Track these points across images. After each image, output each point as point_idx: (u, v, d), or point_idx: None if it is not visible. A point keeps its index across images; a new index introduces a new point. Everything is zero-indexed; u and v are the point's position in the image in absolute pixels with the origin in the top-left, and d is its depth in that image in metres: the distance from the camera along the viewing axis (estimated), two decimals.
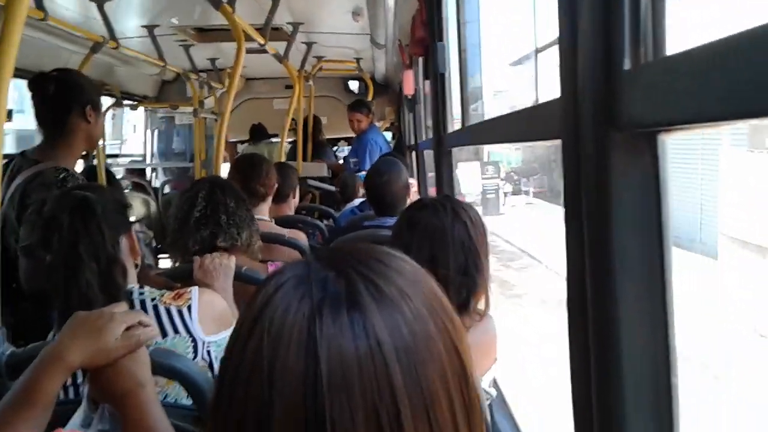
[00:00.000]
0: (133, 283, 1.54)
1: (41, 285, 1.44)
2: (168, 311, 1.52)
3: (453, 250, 1.48)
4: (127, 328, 1.08)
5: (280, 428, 0.54)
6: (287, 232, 2.76)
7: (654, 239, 0.70)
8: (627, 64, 0.70)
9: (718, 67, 0.53)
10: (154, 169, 7.42)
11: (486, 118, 2.40)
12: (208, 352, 1.54)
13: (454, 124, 2.63)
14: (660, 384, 0.70)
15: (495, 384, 1.68)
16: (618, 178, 0.70)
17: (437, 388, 0.56)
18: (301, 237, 2.82)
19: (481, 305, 1.56)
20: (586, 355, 0.76)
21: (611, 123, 0.71)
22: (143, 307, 1.51)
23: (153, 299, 1.53)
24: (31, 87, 2.31)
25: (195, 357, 1.52)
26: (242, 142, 6.81)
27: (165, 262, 3.38)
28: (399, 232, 1.57)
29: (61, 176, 2.19)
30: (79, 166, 3.19)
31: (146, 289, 1.56)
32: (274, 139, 6.43)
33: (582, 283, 0.77)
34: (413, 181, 3.78)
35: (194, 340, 1.53)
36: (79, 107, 2.29)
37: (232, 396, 0.58)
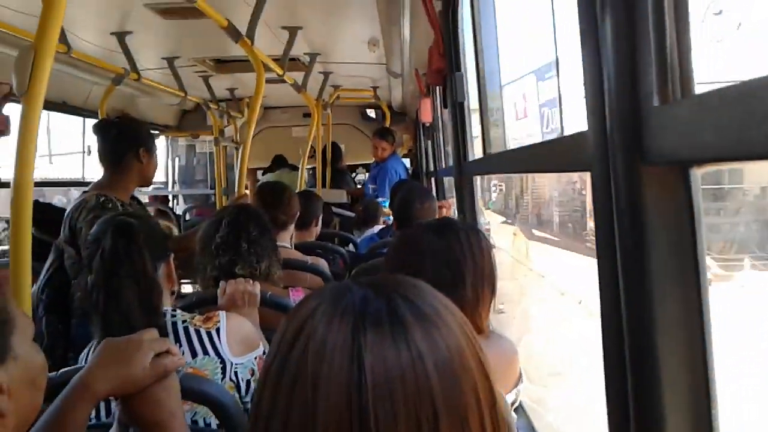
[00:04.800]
0: (167, 306, 1.57)
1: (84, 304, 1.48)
2: (198, 333, 1.56)
3: (454, 269, 1.45)
4: (157, 356, 1.09)
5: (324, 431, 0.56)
6: (309, 259, 2.77)
7: (691, 275, 0.71)
8: (656, 101, 0.71)
9: (749, 107, 0.54)
10: (175, 196, 7.50)
11: (509, 144, 2.41)
12: (236, 373, 1.57)
13: (475, 151, 2.65)
14: (700, 411, 0.70)
15: (521, 408, 1.66)
16: (652, 213, 0.71)
17: (471, 401, 0.59)
18: (322, 264, 2.83)
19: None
20: (623, 385, 0.77)
21: (642, 158, 0.72)
22: (174, 329, 1.54)
23: (184, 321, 1.57)
24: (95, 130, 2.70)
25: (223, 378, 1.55)
26: (261, 169, 6.86)
27: (187, 288, 3.41)
28: (395, 251, 1.55)
29: (101, 200, 2.47)
30: None
31: (178, 312, 1.60)
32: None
33: (618, 317, 0.77)
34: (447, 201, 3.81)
35: (222, 362, 1.55)
36: (134, 149, 2.62)
37: (274, 405, 0.60)
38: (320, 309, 0.62)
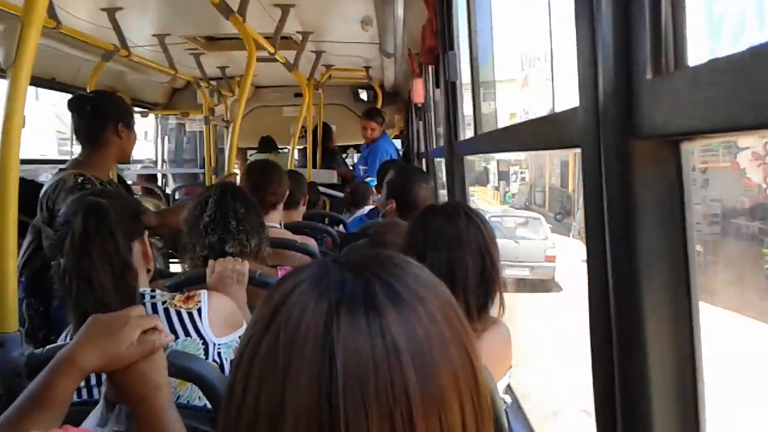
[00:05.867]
0: (145, 287, 1.55)
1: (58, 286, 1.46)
2: (179, 314, 1.54)
3: (470, 252, 1.50)
4: (143, 332, 1.09)
5: (293, 424, 0.55)
6: (298, 239, 2.77)
7: (679, 249, 0.70)
8: (649, 73, 0.70)
9: (742, 78, 0.54)
10: (165, 175, 7.46)
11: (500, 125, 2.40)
12: (219, 354, 1.56)
13: (466, 131, 2.64)
14: (686, 392, 0.70)
15: (510, 390, 1.68)
16: (641, 187, 0.71)
17: (449, 391, 0.57)
18: (311, 243, 2.82)
19: (493, 311, 1.57)
20: (609, 368, 0.76)
21: (632, 132, 0.72)
22: (154, 310, 1.53)
23: (164, 302, 1.54)
24: (70, 106, 2.59)
25: (206, 359, 1.53)
26: (251, 149, 6.83)
27: (176, 267, 3.40)
28: (413, 238, 1.58)
29: (80, 180, 2.38)
30: None
31: (157, 292, 1.57)
32: (284, 149, 6.46)
33: (605, 290, 0.77)
34: None
35: (205, 342, 1.54)
36: (112, 125, 2.53)
37: (246, 391, 0.58)
38: (296, 292, 0.59)
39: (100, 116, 2.52)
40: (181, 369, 1.23)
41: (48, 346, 1.32)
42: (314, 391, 0.54)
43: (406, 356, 0.56)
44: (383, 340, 0.56)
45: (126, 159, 2.74)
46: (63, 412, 1.04)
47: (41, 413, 1.01)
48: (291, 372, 0.55)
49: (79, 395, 1.42)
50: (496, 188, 25.52)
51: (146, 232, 1.62)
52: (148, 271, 1.63)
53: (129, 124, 2.59)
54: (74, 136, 2.61)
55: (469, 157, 2.67)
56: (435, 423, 0.56)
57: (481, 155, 2.49)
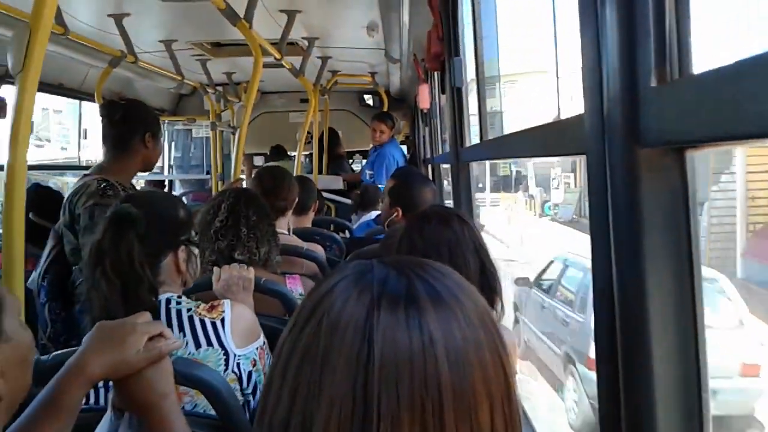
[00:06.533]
0: (172, 293, 1.56)
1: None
2: (202, 323, 1.53)
3: (469, 253, 1.51)
4: (150, 339, 1.09)
5: (328, 408, 0.56)
6: (305, 245, 2.76)
7: (684, 257, 0.70)
8: (653, 81, 0.71)
9: (745, 86, 0.54)
10: (171, 181, 7.47)
11: (506, 131, 2.40)
12: (238, 365, 1.55)
13: (472, 138, 2.64)
14: (690, 400, 0.70)
15: None
16: (647, 194, 0.71)
17: (481, 394, 0.58)
18: (318, 250, 2.83)
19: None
20: (614, 378, 0.76)
21: (637, 140, 0.72)
22: (179, 317, 1.53)
23: (189, 310, 1.54)
24: (101, 112, 2.63)
25: (226, 370, 1.53)
26: (258, 154, 6.84)
27: None
28: (413, 245, 1.57)
29: (103, 186, 2.40)
30: None
31: (183, 298, 1.57)
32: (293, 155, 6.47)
33: (610, 296, 0.77)
34: None
35: (226, 353, 1.53)
36: (140, 134, 2.56)
37: (285, 375, 0.60)
38: (341, 284, 0.62)
39: (128, 124, 2.56)
40: (186, 376, 1.24)
41: (55, 353, 1.32)
42: (351, 375, 0.56)
43: (441, 352, 0.57)
44: (421, 335, 0.58)
45: (149, 168, 2.78)
46: (73, 419, 1.04)
47: (51, 422, 1.02)
48: (330, 356, 0.58)
49: (87, 401, 1.42)
50: (531, 197, 21.86)
51: (182, 246, 1.59)
52: (184, 283, 1.62)
53: (156, 135, 2.63)
54: (102, 141, 2.62)
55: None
56: (465, 420, 0.57)
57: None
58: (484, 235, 1.66)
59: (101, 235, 1.43)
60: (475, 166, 2.67)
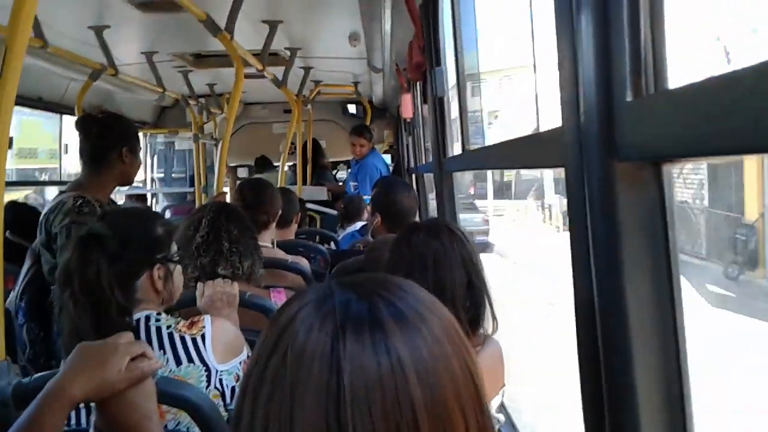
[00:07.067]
0: (151, 311, 1.54)
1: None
2: (182, 339, 1.52)
3: (456, 267, 1.51)
4: (132, 359, 1.08)
5: None
6: (290, 258, 2.75)
7: (663, 268, 0.71)
8: (629, 96, 0.71)
9: (719, 102, 0.54)
10: (154, 195, 7.44)
11: (487, 142, 2.41)
12: (220, 381, 1.54)
13: (454, 148, 2.64)
14: (673, 406, 0.70)
15: (503, 409, 1.68)
16: (624, 207, 0.71)
17: (454, 407, 0.58)
18: (303, 262, 2.81)
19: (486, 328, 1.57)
20: (597, 384, 0.76)
21: (614, 153, 0.72)
22: (159, 335, 1.51)
23: (168, 327, 1.52)
24: (77, 126, 2.56)
25: (208, 386, 1.52)
26: (242, 166, 6.82)
27: None
28: (399, 256, 1.58)
29: (79, 203, 2.34)
30: None
31: (163, 316, 1.55)
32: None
33: (590, 306, 0.77)
34: None
35: (208, 369, 1.52)
36: (117, 149, 2.50)
37: (254, 412, 0.59)
38: (301, 314, 0.61)
39: (105, 139, 2.50)
40: (170, 395, 1.22)
41: (36, 375, 1.30)
42: (322, 407, 0.56)
43: (411, 373, 0.57)
44: (389, 358, 0.57)
45: (128, 183, 2.72)
46: None
47: None
48: (299, 390, 0.57)
49: (68, 422, 1.40)
50: (547, 206, 19.05)
51: (158, 264, 1.54)
52: (162, 301, 1.58)
53: (134, 149, 2.57)
54: (79, 156, 2.56)
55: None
56: None
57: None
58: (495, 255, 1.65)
59: (69, 255, 1.41)
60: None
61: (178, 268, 1.61)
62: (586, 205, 0.79)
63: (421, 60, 2.74)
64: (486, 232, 18.25)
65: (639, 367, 0.73)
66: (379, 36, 3.24)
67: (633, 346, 0.72)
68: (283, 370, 0.58)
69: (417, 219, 3.02)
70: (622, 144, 0.71)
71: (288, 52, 4.23)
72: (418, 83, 3.81)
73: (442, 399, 0.58)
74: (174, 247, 1.62)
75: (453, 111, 2.83)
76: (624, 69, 0.72)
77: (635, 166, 0.71)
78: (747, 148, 0.51)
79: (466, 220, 15.92)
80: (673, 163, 0.69)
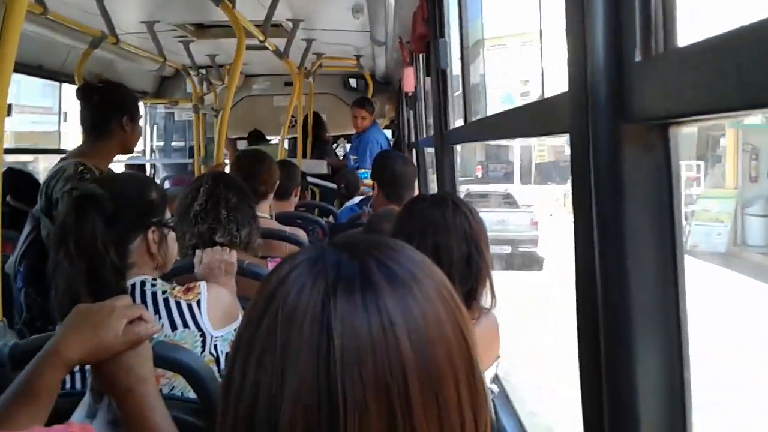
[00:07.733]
0: (146, 276, 1.54)
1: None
2: (178, 305, 1.52)
3: (455, 238, 1.51)
4: (129, 322, 1.07)
5: (293, 401, 0.55)
6: (287, 229, 2.75)
7: (667, 235, 0.70)
8: (638, 56, 0.70)
9: (730, 59, 0.53)
10: (153, 165, 7.41)
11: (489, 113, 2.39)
12: (215, 347, 1.55)
13: (456, 120, 2.62)
14: (673, 383, 0.70)
15: (497, 380, 1.68)
16: (631, 172, 0.70)
17: (445, 369, 0.58)
18: (301, 234, 2.81)
19: (485, 302, 1.58)
20: (596, 353, 0.76)
21: (622, 115, 0.71)
22: (154, 299, 1.51)
23: (164, 292, 1.53)
24: (78, 95, 2.60)
25: (203, 351, 1.53)
26: (241, 138, 6.80)
27: None
28: (400, 223, 1.60)
29: (80, 169, 2.37)
30: None
31: (158, 281, 1.55)
32: (273, 140, 6.42)
33: (592, 280, 0.76)
34: None
35: (203, 335, 1.53)
36: (118, 117, 2.53)
37: (245, 372, 0.59)
38: (293, 274, 0.60)
39: (106, 107, 2.53)
40: (166, 359, 1.22)
41: (34, 336, 1.30)
42: (313, 366, 0.55)
43: (402, 333, 0.56)
44: (380, 318, 0.56)
45: (128, 152, 2.77)
46: (51, 403, 1.03)
47: (29, 406, 1.00)
48: (290, 349, 0.56)
49: (64, 385, 1.40)
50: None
51: (153, 228, 1.54)
52: (158, 266, 1.58)
53: (134, 118, 2.60)
54: (80, 124, 2.60)
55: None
56: (431, 399, 0.56)
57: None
58: None
59: (65, 215, 1.41)
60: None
61: (172, 234, 1.61)
62: (590, 170, 0.77)
63: (425, 32, 2.71)
64: (534, 241, 13.12)
65: (638, 329, 0.72)
66: (382, 8, 3.21)
67: (634, 310, 0.71)
68: (274, 331, 0.58)
69: (416, 191, 3.02)
70: (631, 105, 0.69)
71: (290, 24, 4.19)
72: (420, 56, 3.78)
73: (434, 359, 0.57)
74: (168, 214, 1.62)
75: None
76: (634, 28, 0.70)
77: (644, 128, 0.70)
78: (758, 104, 0.50)
79: (503, 222, 12.75)
80: (682, 125, 0.67)
